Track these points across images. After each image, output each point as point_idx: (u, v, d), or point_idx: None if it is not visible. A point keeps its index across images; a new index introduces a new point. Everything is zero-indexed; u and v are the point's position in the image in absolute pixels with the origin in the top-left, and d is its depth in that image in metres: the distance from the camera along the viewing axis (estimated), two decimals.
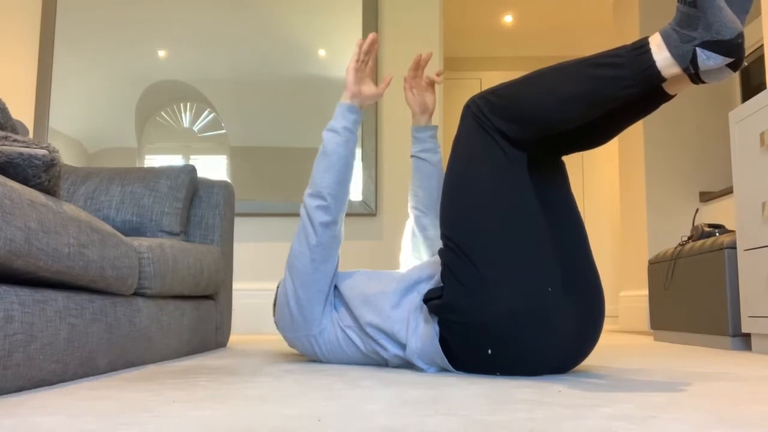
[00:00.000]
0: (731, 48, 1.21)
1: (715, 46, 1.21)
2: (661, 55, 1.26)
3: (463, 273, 1.40)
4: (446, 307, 1.43)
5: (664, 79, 1.28)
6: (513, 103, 1.40)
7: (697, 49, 1.23)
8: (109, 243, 1.47)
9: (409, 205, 1.93)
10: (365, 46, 1.68)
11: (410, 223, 1.94)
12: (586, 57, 1.36)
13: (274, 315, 1.78)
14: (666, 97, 1.38)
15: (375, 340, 1.60)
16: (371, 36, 1.67)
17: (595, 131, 1.46)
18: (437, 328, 1.47)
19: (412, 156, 1.89)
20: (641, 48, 1.28)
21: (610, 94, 1.30)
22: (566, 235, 1.44)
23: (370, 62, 1.70)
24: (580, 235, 1.47)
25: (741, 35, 1.21)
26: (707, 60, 1.23)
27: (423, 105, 1.85)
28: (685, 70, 1.26)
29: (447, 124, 5.70)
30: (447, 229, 1.47)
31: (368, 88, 1.70)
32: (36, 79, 3.73)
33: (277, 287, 1.88)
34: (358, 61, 1.68)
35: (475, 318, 1.39)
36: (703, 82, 1.29)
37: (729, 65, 1.24)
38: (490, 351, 1.40)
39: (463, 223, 1.44)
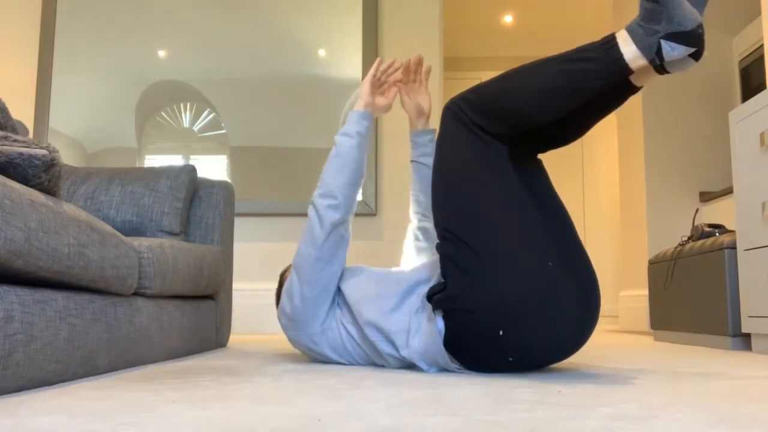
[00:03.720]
0: (693, 38, 1.31)
1: (678, 37, 1.32)
2: (627, 48, 1.35)
3: (465, 260, 1.43)
4: (452, 297, 1.45)
5: (631, 71, 1.37)
6: (493, 101, 1.47)
7: (662, 41, 1.33)
8: (109, 243, 1.47)
9: (411, 210, 1.94)
10: (383, 68, 1.79)
11: (412, 228, 1.94)
12: (560, 53, 1.45)
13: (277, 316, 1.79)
14: (633, 89, 1.46)
15: (373, 341, 1.60)
16: (391, 62, 1.80)
17: (567, 127, 1.52)
18: (441, 326, 1.48)
19: (412, 161, 1.91)
20: (609, 43, 1.38)
21: (581, 87, 1.39)
22: (554, 218, 1.50)
23: (385, 84, 1.82)
24: (566, 219, 1.53)
25: (701, 26, 1.32)
26: (671, 51, 1.33)
27: (419, 108, 1.89)
28: (651, 61, 1.35)
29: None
30: (442, 220, 1.50)
31: (381, 100, 1.82)
32: (36, 79, 3.73)
33: (278, 284, 1.89)
34: (374, 76, 1.79)
35: (483, 302, 1.41)
36: (668, 72, 1.39)
37: (691, 55, 1.34)
38: (501, 332, 1.41)
39: (456, 210, 1.47)
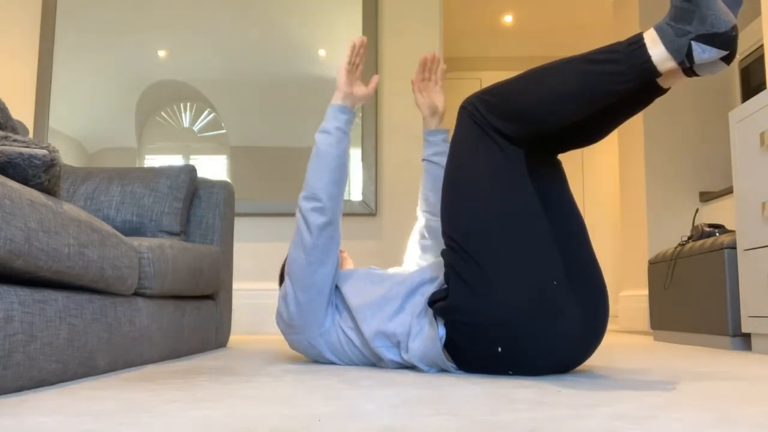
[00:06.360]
0: (726, 41, 1.23)
1: (710, 39, 1.24)
2: (656, 49, 1.28)
3: (467, 272, 1.40)
4: (452, 307, 1.43)
5: (659, 74, 1.29)
6: (510, 102, 1.41)
7: (693, 42, 1.25)
8: (109, 243, 1.47)
9: (419, 208, 1.92)
10: (357, 49, 1.68)
11: (418, 226, 1.93)
12: (582, 54, 1.36)
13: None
14: (660, 91, 1.39)
15: (377, 348, 1.59)
16: (362, 39, 1.68)
17: (590, 128, 1.46)
18: (442, 331, 1.46)
19: (423, 159, 1.89)
20: (636, 43, 1.29)
21: (606, 90, 1.32)
22: (567, 231, 1.45)
23: (360, 65, 1.71)
24: (580, 230, 1.48)
25: (735, 28, 1.23)
26: (702, 53, 1.25)
27: (433, 107, 1.86)
28: (681, 64, 1.27)
29: (447, 124, 5.70)
30: (449, 228, 1.46)
31: (359, 89, 1.71)
32: (36, 79, 3.72)
33: (279, 286, 1.87)
34: (349, 63, 1.69)
35: (483, 316, 1.38)
36: (697, 75, 1.31)
37: (723, 58, 1.26)
38: (500, 349, 1.39)
39: (464, 222, 1.44)
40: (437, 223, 1.86)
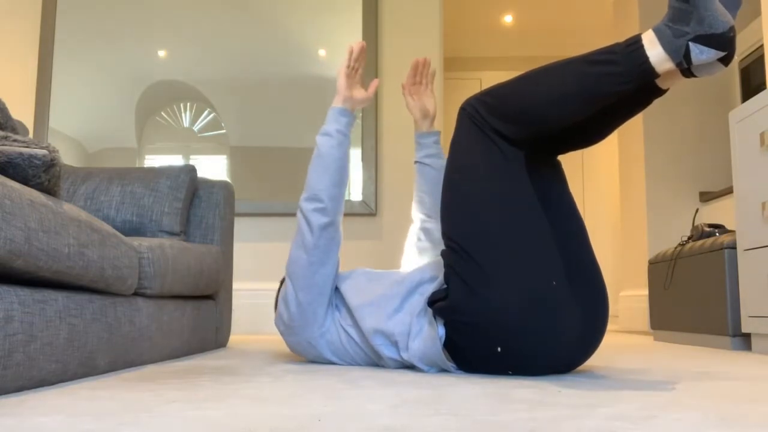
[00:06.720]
0: (723, 42, 1.23)
1: (707, 40, 1.24)
2: (654, 50, 1.28)
3: (467, 272, 1.40)
4: (452, 308, 1.43)
5: (657, 75, 1.30)
6: (509, 104, 1.41)
7: (690, 43, 1.25)
8: (109, 243, 1.47)
9: (414, 210, 1.92)
10: (355, 54, 1.70)
11: (414, 229, 1.93)
12: (580, 55, 1.37)
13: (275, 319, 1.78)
14: (659, 92, 1.39)
15: (376, 345, 1.59)
16: (361, 44, 1.70)
17: (589, 129, 1.46)
18: (441, 331, 1.47)
19: (416, 162, 1.89)
20: (634, 44, 1.30)
21: (605, 91, 1.32)
22: (567, 231, 1.45)
23: (359, 69, 1.73)
24: (580, 231, 1.48)
25: (732, 29, 1.23)
26: (700, 54, 1.25)
27: (424, 110, 1.87)
28: (678, 65, 1.28)
29: (447, 124, 5.70)
30: (449, 229, 1.47)
31: (359, 92, 1.73)
32: (36, 79, 3.72)
33: (278, 289, 1.88)
34: (348, 67, 1.71)
35: (482, 316, 1.39)
36: (695, 76, 1.31)
37: (721, 59, 1.26)
38: (500, 349, 1.40)
39: (464, 223, 1.44)
40: (432, 224, 1.87)
